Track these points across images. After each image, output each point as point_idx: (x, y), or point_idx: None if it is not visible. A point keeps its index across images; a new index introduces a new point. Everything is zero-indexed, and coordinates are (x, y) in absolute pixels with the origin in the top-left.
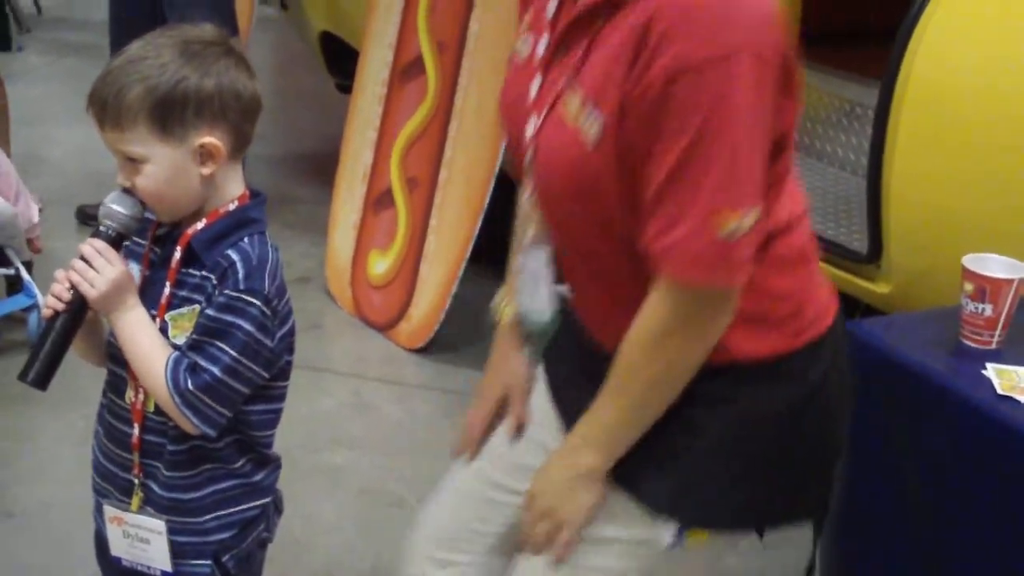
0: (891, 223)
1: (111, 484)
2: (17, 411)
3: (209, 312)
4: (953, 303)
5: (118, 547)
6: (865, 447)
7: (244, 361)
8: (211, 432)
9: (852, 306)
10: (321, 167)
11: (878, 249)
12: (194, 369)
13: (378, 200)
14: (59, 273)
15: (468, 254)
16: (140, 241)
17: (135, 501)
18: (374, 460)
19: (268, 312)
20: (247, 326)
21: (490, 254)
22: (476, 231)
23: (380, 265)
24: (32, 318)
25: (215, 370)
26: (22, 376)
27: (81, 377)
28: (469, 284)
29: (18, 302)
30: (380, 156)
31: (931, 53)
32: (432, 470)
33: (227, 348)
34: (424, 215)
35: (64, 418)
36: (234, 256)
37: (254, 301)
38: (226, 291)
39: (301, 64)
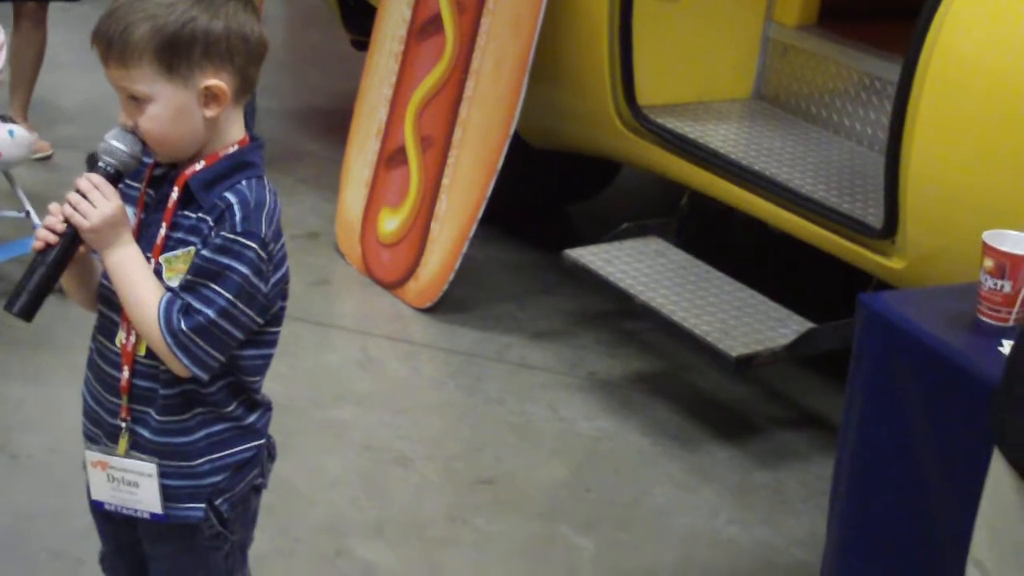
0: (908, 199)
1: (99, 428)
2: (25, 354)
3: (204, 253)
4: (968, 281)
5: (100, 491)
6: (878, 421)
7: (239, 304)
8: (203, 375)
9: (864, 281)
10: (332, 123)
11: (894, 224)
12: (187, 310)
13: (391, 157)
14: (53, 206)
15: (480, 215)
16: (134, 184)
17: (122, 445)
18: (378, 417)
19: (264, 256)
20: (243, 269)
21: (502, 216)
22: (489, 192)
23: (390, 223)
24: None
25: (209, 312)
26: (8, 307)
27: (90, 320)
28: (479, 245)
29: (27, 246)
30: (395, 113)
31: (955, 29)
32: (436, 430)
33: (222, 290)
34: (437, 174)
35: (72, 362)
36: (232, 198)
37: (250, 244)
38: (222, 233)
39: (313, 19)
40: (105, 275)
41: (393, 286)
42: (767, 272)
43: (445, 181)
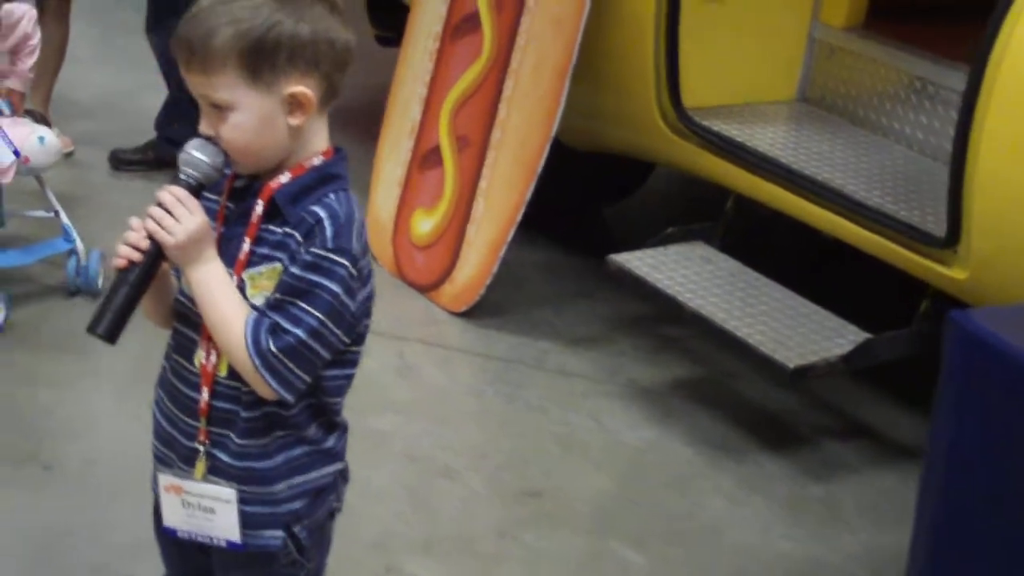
0: (975, 208)
1: (173, 451)
2: (53, 357)
3: (294, 271)
4: None
5: (174, 517)
6: (970, 443)
7: (329, 324)
8: (290, 397)
9: (916, 289)
10: (357, 120)
11: (957, 234)
12: (275, 330)
13: (425, 157)
14: (134, 221)
15: (519, 219)
16: (212, 196)
17: (199, 469)
18: (420, 426)
19: (354, 272)
20: (334, 287)
21: (535, 217)
22: (528, 195)
23: (425, 224)
24: (71, 263)
25: (299, 332)
26: (91, 328)
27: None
28: (512, 248)
29: (56, 246)
30: (429, 112)
31: None
32: (478, 439)
33: (312, 309)
34: (474, 176)
35: (102, 366)
36: (321, 213)
37: (342, 261)
38: (312, 249)
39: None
40: (181, 291)
41: (427, 289)
42: (814, 279)
43: (482, 183)
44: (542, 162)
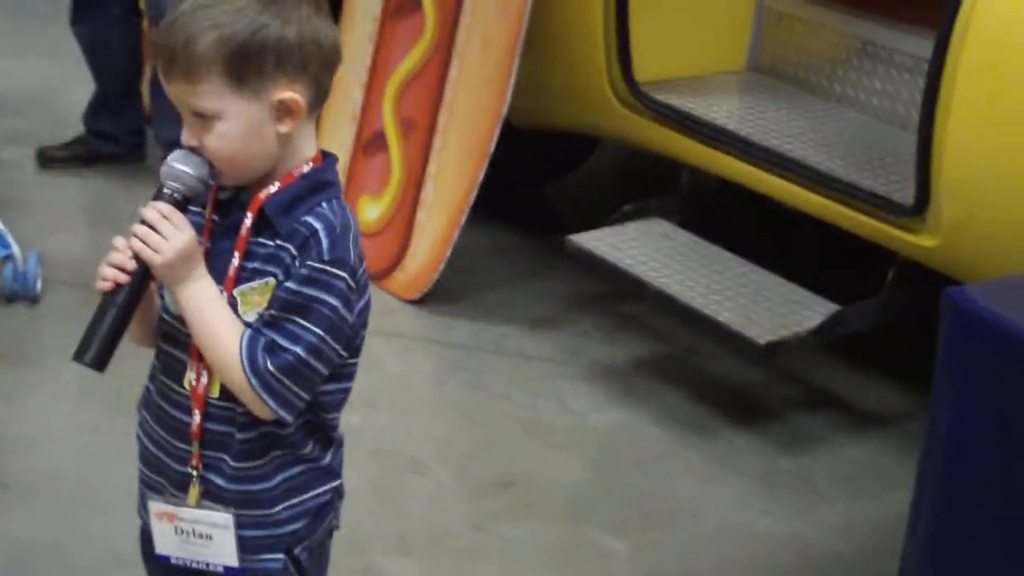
0: (943, 175)
1: (163, 477)
2: (0, 371)
3: (290, 286)
4: (1010, 255)
5: (167, 545)
6: (970, 426)
7: (328, 340)
8: (288, 417)
9: (879, 258)
10: None
11: (925, 201)
12: (272, 348)
13: (369, 143)
14: (119, 241)
15: (471, 203)
16: (195, 209)
17: (192, 494)
18: (383, 419)
19: (353, 284)
20: (332, 301)
21: (485, 201)
22: (480, 178)
23: (372, 211)
24: (7, 269)
25: (298, 350)
26: (78, 356)
27: (67, 331)
28: (463, 232)
29: None
30: (371, 97)
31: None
32: (443, 430)
33: (310, 326)
34: (421, 160)
35: (51, 377)
36: (315, 223)
37: (341, 273)
38: (309, 262)
39: None
40: (166, 309)
41: (377, 277)
42: (774, 251)
43: (431, 168)
44: (493, 144)
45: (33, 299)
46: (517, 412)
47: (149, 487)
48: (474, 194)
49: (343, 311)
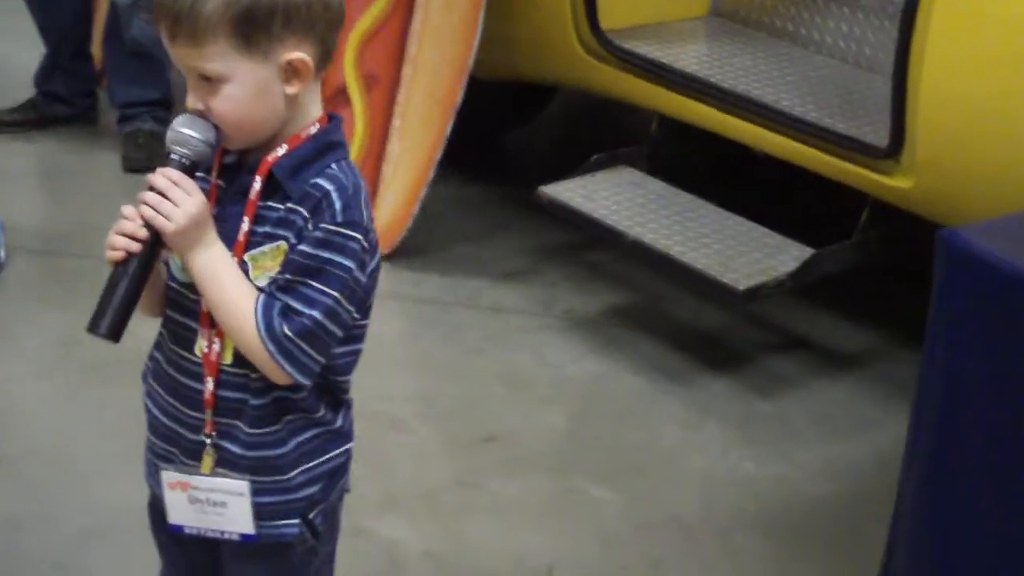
0: (919, 117)
1: (175, 446)
2: None
3: (304, 248)
4: (985, 196)
5: (181, 514)
6: (967, 369)
7: (343, 302)
8: (306, 381)
9: (858, 203)
10: None
11: (900, 143)
12: (287, 312)
13: (331, 99)
14: (127, 209)
15: (439, 156)
16: (200, 175)
17: (206, 463)
18: (358, 378)
19: (367, 245)
20: (347, 262)
21: (452, 155)
22: (447, 132)
23: None
24: None
25: (314, 313)
26: (92, 328)
27: (31, 299)
28: (438, 187)
29: None
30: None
31: None
32: (421, 387)
33: (326, 288)
34: (385, 114)
35: (20, 348)
36: (327, 185)
37: (354, 235)
38: (322, 224)
39: None
40: (172, 277)
41: None
42: (743, 196)
43: (396, 122)
44: (460, 97)
45: None
46: (495, 366)
47: (160, 457)
48: (442, 148)
49: (357, 272)
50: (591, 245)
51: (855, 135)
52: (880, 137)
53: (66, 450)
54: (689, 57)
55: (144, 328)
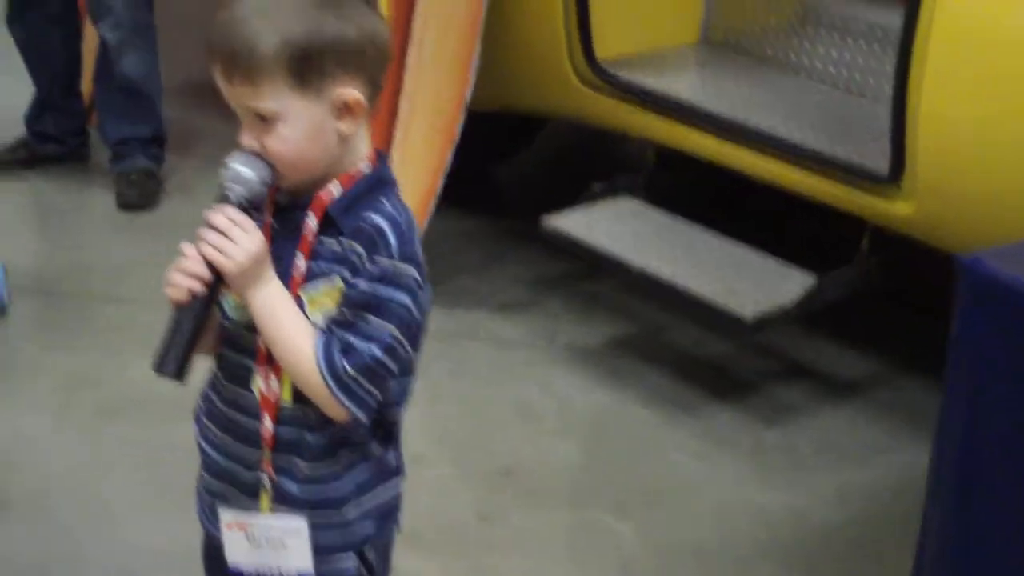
0: (919, 142)
1: (231, 484)
2: None
3: (360, 284)
4: (988, 220)
5: (239, 554)
6: (990, 394)
7: (401, 337)
8: (365, 417)
9: (858, 229)
10: (220, 95)
11: (900, 168)
12: (347, 349)
13: None
14: (188, 248)
15: (439, 191)
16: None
17: (264, 501)
18: None
19: (421, 280)
20: (403, 298)
21: (453, 188)
22: (447, 164)
23: None
24: None
25: (374, 349)
26: (158, 368)
27: (37, 340)
28: (434, 220)
29: None
30: None
31: None
32: (435, 420)
33: (384, 323)
34: (383, 149)
35: (30, 391)
36: (381, 221)
37: (410, 269)
38: (378, 260)
39: None
40: (226, 316)
41: None
42: (738, 224)
43: (394, 155)
44: (459, 129)
45: (0, 310)
46: (505, 399)
47: (216, 496)
48: (442, 183)
49: (413, 307)
50: (589, 275)
51: (854, 161)
52: (879, 163)
53: (88, 491)
54: (683, 85)
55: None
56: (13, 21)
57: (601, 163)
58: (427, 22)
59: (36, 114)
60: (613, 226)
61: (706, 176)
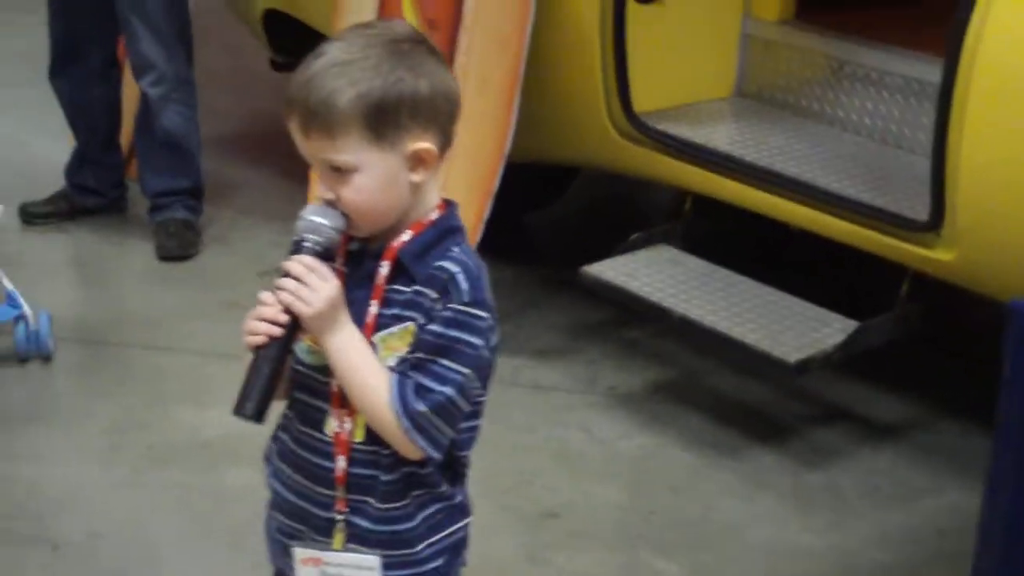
0: (959, 190)
1: (304, 524)
2: (26, 431)
3: (434, 328)
4: None
5: None
6: None
7: (472, 378)
8: (438, 455)
9: (899, 275)
10: (256, 147)
11: (940, 216)
12: (421, 391)
13: None
14: (266, 295)
15: (477, 241)
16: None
17: (338, 539)
18: None
19: (492, 324)
20: (475, 340)
21: (487, 237)
22: (486, 216)
23: None
24: (19, 329)
25: (447, 389)
26: (239, 411)
27: (83, 388)
28: None
29: (4, 314)
30: None
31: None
32: (477, 465)
33: (456, 366)
34: None
35: (79, 436)
36: (452, 267)
37: (482, 314)
38: (451, 305)
39: (214, 41)
40: (299, 360)
41: None
42: (772, 272)
43: None
44: (498, 180)
45: (46, 359)
46: (546, 444)
47: (288, 535)
48: (480, 233)
49: (484, 350)
50: (626, 322)
51: (894, 209)
52: (918, 210)
53: (136, 534)
54: (722, 137)
55: (194, 415)
56: (55, 75)
57: (631, 212)
58: (467, 76)
59: (76, 166)
60: (654, 274)
61: (743, 225)
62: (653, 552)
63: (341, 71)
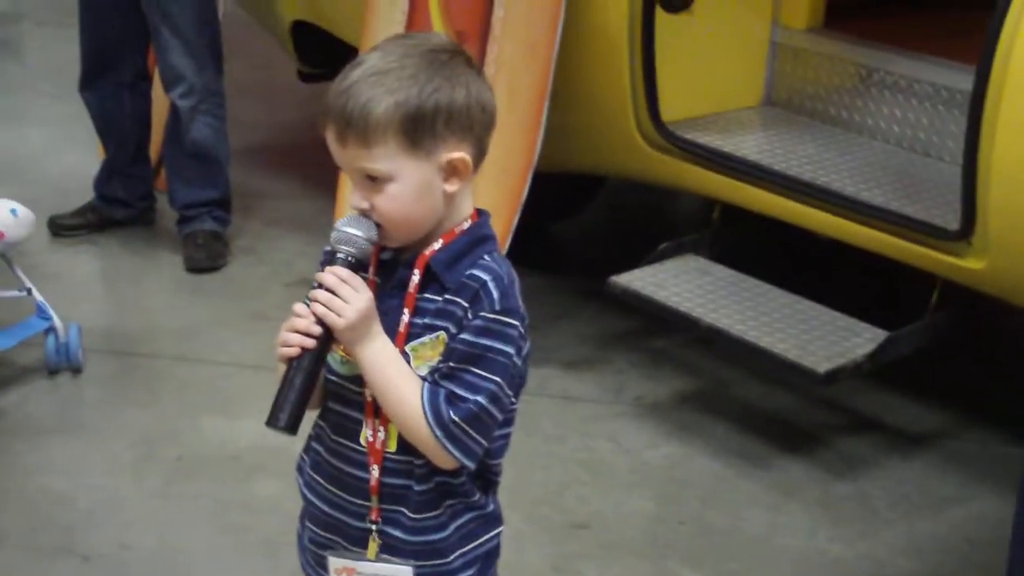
0: (990, 199)
1: (338, 534)
2: (52, 443)
3: (465, 337)
4: None
5: None
6: None
7: (504, 387)
8: (471, 464)
9: (930, 283)
10: (281, 159)
11: (971, 224)
12: (453, 399)
13: None
14: (299, 307)
15: (507, 248)
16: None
17: (372, 548)
18: None
19: (523, 332)
20: (507, 349)
21: (528, 251)
22: (514, 225)
23: None
24: (49, 341)
25: (479, 398)
26: (271, 422)
27: (113, 399)
28: None
29: (33, 325)
30: None
31: None
32: (506, 476)
33: (489, 374)
34: None
35: (107, 449)
36: (484, 276)
37: (513, 322)
38: (482, 313)
39: (242, 52)
40: (332, 371)
41: None
42: (803, 280)
43: None
44: (527, 188)
45: (76, 371)
46: (575, 454)
47: (321, 546)
48: (510, 240)
49: (516, 358)
50: (653, 332)
51: (924, 217)
52: (949, 219)
53: (167, 545)
54: (750, 146)
55: (224, 426)
56: (85, 88)
57: (660, 221)
58: (496, 86)
59: (105, 178)
60: (682, 283)
61: (770, 234)
62: (681, 562)
63: (379, 80)
